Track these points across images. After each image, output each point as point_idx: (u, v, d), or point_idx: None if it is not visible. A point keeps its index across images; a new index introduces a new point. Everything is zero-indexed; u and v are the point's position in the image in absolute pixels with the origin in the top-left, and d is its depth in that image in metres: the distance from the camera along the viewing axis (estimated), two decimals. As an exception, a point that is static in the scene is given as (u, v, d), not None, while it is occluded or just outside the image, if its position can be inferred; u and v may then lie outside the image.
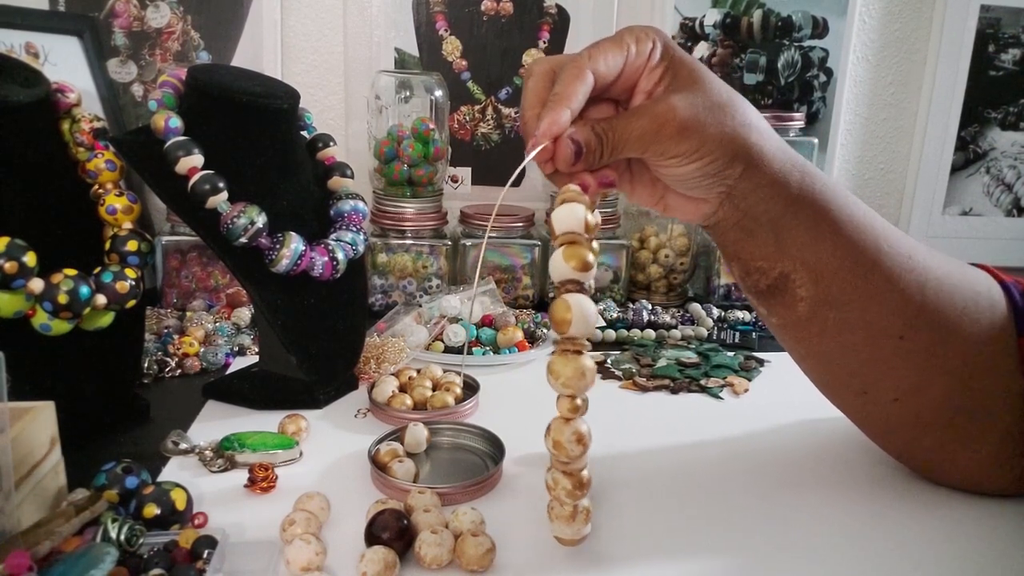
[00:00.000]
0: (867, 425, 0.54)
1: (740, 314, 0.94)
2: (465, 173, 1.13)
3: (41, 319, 0.51)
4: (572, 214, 0.39)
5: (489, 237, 0.95)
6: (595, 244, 0.43)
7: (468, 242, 0.95)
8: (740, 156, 0.43)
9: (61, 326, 0.52)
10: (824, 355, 0.49)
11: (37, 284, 0.50)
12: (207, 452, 0.53)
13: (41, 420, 0.42)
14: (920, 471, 0.54)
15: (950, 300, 0.47)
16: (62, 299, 0.51)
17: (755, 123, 0.44)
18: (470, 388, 0.67)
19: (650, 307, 0.93)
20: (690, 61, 0.43)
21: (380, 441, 0.55)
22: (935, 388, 0.48)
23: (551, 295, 0.98)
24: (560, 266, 0.39)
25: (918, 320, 0.46)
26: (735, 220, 0.46)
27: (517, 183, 1.14)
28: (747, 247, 0.47)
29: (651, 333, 0.88)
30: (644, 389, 0.72)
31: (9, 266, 0.48)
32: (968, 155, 1.23)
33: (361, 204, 0.68)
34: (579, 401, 0.40)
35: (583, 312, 0.38)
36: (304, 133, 0.68)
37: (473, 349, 0.77)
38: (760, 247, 0.46)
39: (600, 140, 0.41)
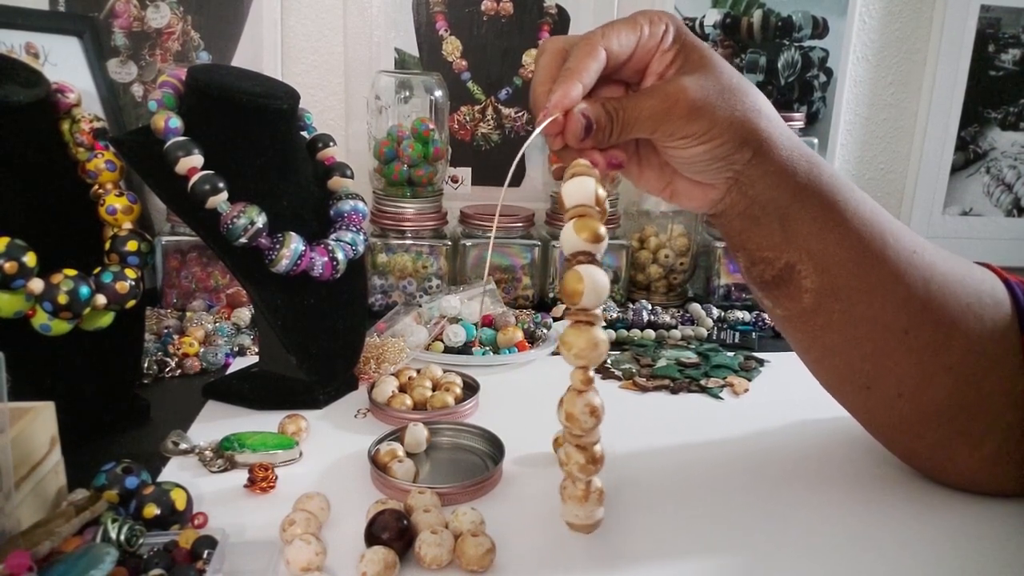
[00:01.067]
0: (870, 422, 0.54)
1: (740, 314, 0.94)
2: (465, 173, 1.13)
3: (41, 319, 0.51)
4: (582, 187, 0.39)
5: (488, 237, 0.95)
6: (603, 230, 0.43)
7: (468, 242, 0.95)
8: (749, 141, 0.43)
9: (61, 326, 0.52)
10: (829, 348, 0.49)
11: (37, 284, 0.50)
12: (207, 452, 0.53)
13: (41, 420, 0.42)
14: (922, 470, 0.54)
15: (954, 296, 0.47)
16: (62, 299, 0.51)
17: (764, 110, 0.44)
18: (470, 388, 0.67)
19: (650, 307, 0.93)
20: (701, 45, 0.44)
21: (380, 441, 0.55)
22: (938, 385, 0.48)
23: (551, 295, 0.98)
24: (571, 238, 0.39)
25: (923, 315, 0.46)
26: (742, 208, 0.46)
27: (517, 183, 1.14)
28: (753, 236, 0.47)
29: (651, 333, 0.88)
30: (644, 389, 0.72)
31: (9, 266, 0.48)
32: (968, 155, 1.23)
33: (361, 204, 0.68)
34: (592, 373, 0.40)
35: (595, 283, 0.38)
36: (304, 133, 0.68)
37: (473, 349, 0.77)
38: (766, 236, 0.46)
39: (611, 117, 0.42)
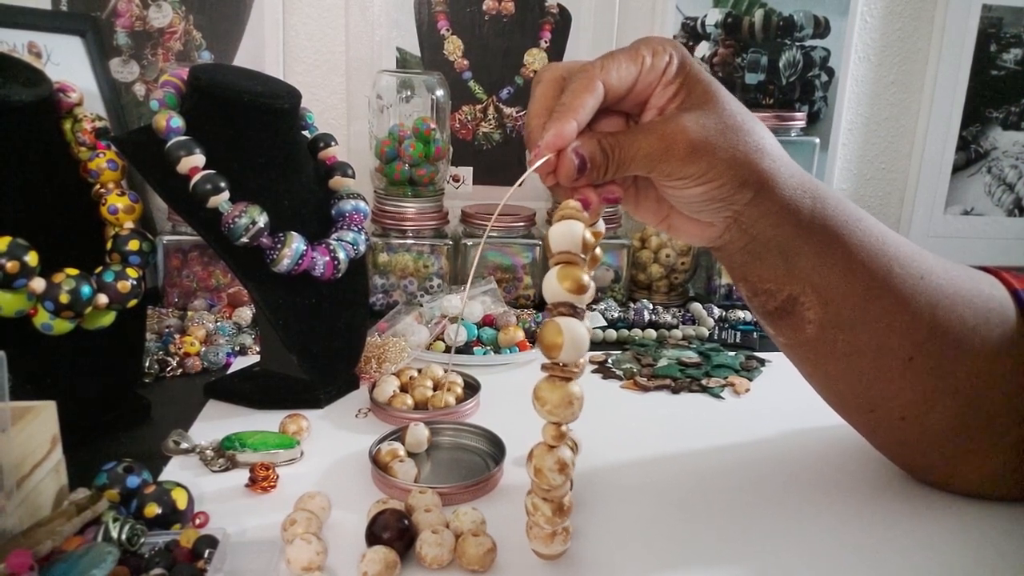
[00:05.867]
0: (874, 439, 0.54)
1: (741, 314, 0.94)
2: (466, 173, 1.13)
3: (43, 318, 0.51)
4: (569, 232, 0.37)
5: (489, 236, 0.95)
6: (597, 249, 0.42)
7: (469, 242, 0.95)
8: (750, 182, 0.41)
9: (63, 325, 0.52)
10: (832, 376, 0.49)
11: (39, 283, 0.50)
12: (208, 452, 0.53)
13: (42, 419, 0.42)
14: (926, 483, 0.54)
15: (961, 320, 0.46)
16: (64, 298, 0.51)
17: (768, 148, 0.42)
18: (471, 388, 0.67)
19: (651, 307, 0.93)
20: (706, 79, 0.42)
21: (381, 441, 0.55)
22: (943, 407, 0.47)
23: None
24: (554, 286, 0.37)
25: (928, 342, 0.45)
26: (742, 244, 0.45)
27: (518, 183, 1.13)
28: (754, 270, 0.46)
29: (652, 333, 0.88)
30: (645, 389, 0.72)
31: (11, 265, 0.49)
32: (969, 155, 1.23)
33: (362, 204, 0.68)
34: (565, 428, 0.39)
35: (575, 338, 0.36)
36: (305, 133, 0.69)
37: (474, 349, 0.77)
38: (768, 270, 0.45)
39: (606, 155, 0.40)
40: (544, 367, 0.38)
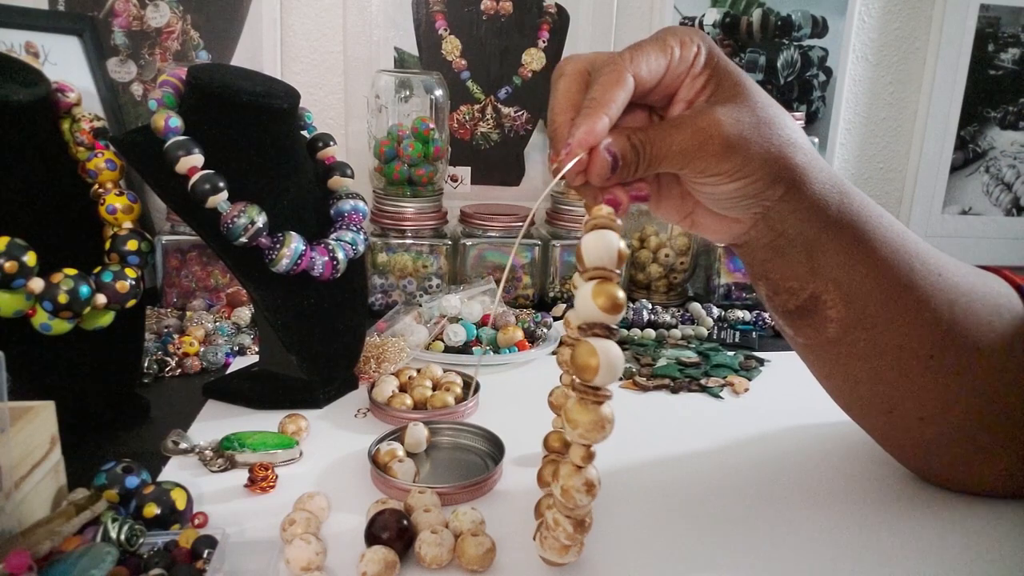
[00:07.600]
0: (888, 441, 0.53)
1: (740, 313, 0.94)
2: (465, 172, 1.13)
3: (41, 319, 0.51)
4: (604, 244, 0.35)
5: (489, 237, 0.95)
6: None
7: (468, 242, 0.95)
8: (782, 177, 0.40)
9: (61, 326, 0.52)
10: (851, 376, 0.48)
11: (37, 283, 0.50)
12: (207, 452, 0.53)
13: (41, 420, 0.42)
14: (936, 483, 0.53)
15: (976, 316, 0.45)
16: (62, 299, 0.51)
17: (799, 142, 0.41)
18: (470, 388, 0.67)
19: (650, 306, 0.93)
20: (735, 71, 0.40)
21: (380, 441, 0.55)
22: (961, 406, 0.46)
23: (551, 294, 0.98)
24: (587, 305, 0.35)
25: (947, 339, 0.45)
26: (767, 240, 0.44)
27: (516, 182, 1.14)
28: (777, 267, 0.45)
29: (651, 332, 0.88)
30: (644, 389, 0.72)
31: (9, 265, 0.48)
32: (967, 154, 1.23)
33: (361, 204, 0.68)
34: (594, 450, 0.38)
35: (610, 361, 0.34)
36: (304, 133, 0.68)
37: (473, 348, 0.77)
38: (792, 268, 0.44)
39: (637, 153, 0.38)
40: (575, 388, 0.36)
